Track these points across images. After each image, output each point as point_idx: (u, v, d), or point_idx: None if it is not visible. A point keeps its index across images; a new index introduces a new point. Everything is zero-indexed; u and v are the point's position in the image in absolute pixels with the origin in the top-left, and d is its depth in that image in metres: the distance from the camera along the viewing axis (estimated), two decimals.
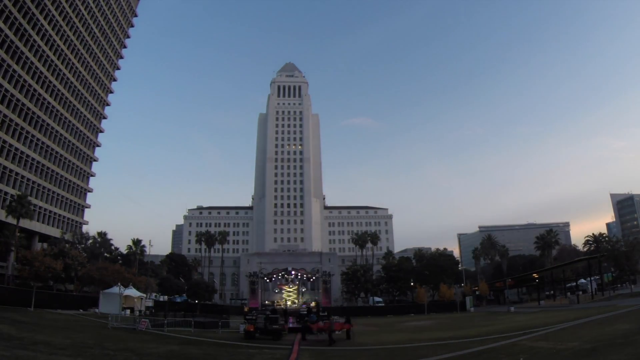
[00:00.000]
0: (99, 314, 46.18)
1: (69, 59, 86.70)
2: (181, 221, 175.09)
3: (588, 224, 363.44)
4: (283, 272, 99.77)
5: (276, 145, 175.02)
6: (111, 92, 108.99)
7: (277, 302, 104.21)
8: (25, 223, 68.50)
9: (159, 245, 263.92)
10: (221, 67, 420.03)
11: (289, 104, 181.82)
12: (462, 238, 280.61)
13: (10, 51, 68.81)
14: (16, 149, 72.12)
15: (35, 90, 76.41)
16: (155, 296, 74.98)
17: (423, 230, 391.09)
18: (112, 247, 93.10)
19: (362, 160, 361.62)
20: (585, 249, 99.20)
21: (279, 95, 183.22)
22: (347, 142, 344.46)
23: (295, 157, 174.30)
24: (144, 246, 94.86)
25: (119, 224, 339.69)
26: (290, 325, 41.63)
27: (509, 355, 18.37)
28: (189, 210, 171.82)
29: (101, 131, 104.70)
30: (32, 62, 74.80)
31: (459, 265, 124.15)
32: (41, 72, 77.83)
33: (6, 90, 68.42)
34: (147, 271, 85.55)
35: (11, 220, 63.40)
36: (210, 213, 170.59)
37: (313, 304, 71.39)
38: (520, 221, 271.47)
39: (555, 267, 76.55)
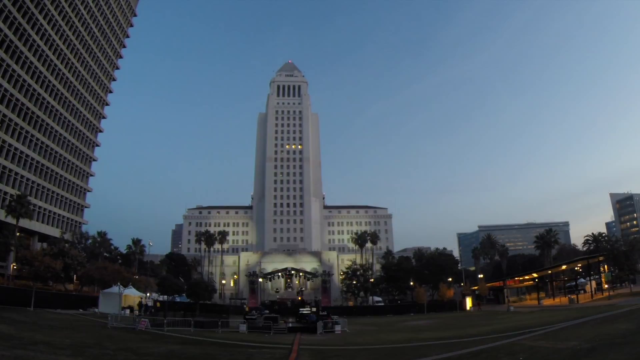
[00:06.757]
0: (99, 314, 46.16)
1: (69, 59, 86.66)
2: (181, 221, 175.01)
3: (587, 224, 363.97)
4: (283, 272, 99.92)
5: (276, 145, 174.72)
6: (110, 92, 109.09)
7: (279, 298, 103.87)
8: (25, 223, 68.49)
9: (159, 245, 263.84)
10: (221, 66, 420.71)
11: (288, 103, 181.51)
12: (461, 237, 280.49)
13: (10, 51, 68.79)
14: (16, 148, 72.10)
15: (35, 90, 76.38)
16: (156, 296, 74.80)
17: (423, 230, 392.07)
18: (112, 247, 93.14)
19: (362, 160, 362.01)
20: (584, 249, 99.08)
21: (278, 95, 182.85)
22: (347, 141, 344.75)
23: (295, 157, 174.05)
24: (143, 246, 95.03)
25: (119, 224, 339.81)
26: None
27: (509, 354, 18.36)
28: (188, 210, 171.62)
29: (101, 131, 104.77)
30: (32, 62, 74.76)
31: (459, 265, 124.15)
32: (41, 72, 77.79)
33: (6, 90, 68.40)
34: (147, 271, 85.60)
35: (11, 220, 63.40)
36: (210, 213, 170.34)
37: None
38: (520, 220, 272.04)
39: (555, 267, 76.49)
